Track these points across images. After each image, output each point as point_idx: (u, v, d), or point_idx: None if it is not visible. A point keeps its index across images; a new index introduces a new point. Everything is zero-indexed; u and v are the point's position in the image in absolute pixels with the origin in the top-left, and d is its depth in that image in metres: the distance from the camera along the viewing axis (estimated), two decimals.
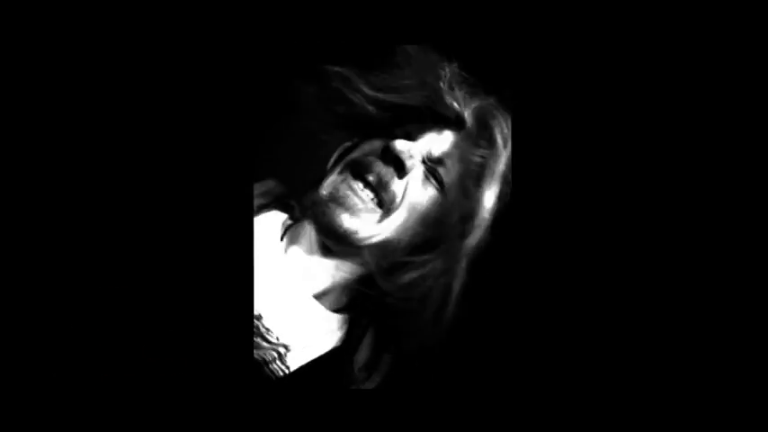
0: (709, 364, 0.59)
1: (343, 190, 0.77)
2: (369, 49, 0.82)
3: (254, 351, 0.72)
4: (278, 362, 0.73)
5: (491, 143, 0.75)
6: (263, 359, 0.73)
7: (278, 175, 0.91)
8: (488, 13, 0.66)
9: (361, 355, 0.77)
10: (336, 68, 0.81)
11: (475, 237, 0.74)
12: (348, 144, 0.88)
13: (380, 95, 0.79)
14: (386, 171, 0.76)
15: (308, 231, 0.82)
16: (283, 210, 0.89)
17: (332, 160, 0.88)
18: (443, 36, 0.74)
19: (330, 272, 0.81)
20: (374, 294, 0.79)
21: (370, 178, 0.76)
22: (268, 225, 0.86)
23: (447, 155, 0.77)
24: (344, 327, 0.80)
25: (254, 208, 0.85)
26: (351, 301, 0.83)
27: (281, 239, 0.84)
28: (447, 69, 0.77)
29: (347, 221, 0.76)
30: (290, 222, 0.87)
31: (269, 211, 0.88)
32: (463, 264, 0.75)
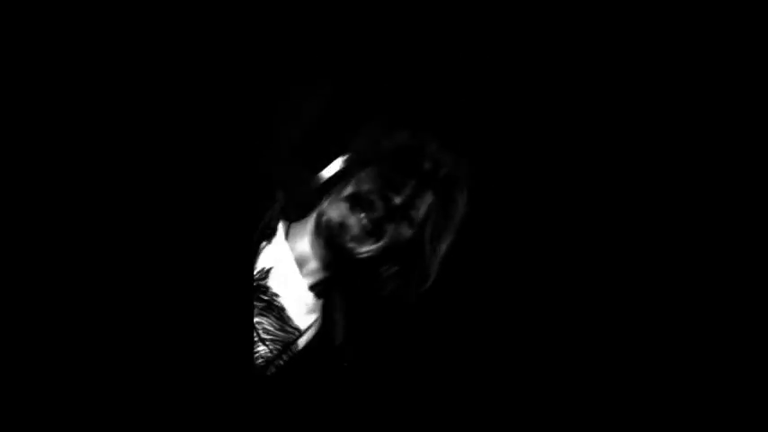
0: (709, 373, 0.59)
1: (348, 218, 0.95)
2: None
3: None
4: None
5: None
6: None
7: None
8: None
9: (339, 332, 0.91)
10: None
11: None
12: (346, 159, 1.04)
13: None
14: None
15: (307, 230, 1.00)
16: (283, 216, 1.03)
17: (331, 175, 1.04)
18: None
19: (321, 257, 0.99)
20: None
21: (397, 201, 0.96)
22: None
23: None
24: (319, 308, 0.96)
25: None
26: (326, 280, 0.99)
27: (285, 239, 1.00)
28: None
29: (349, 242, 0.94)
30: (287, 224, 1.02)
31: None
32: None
